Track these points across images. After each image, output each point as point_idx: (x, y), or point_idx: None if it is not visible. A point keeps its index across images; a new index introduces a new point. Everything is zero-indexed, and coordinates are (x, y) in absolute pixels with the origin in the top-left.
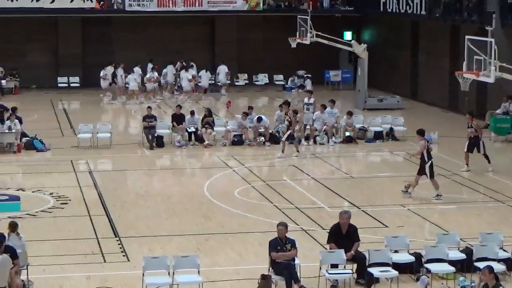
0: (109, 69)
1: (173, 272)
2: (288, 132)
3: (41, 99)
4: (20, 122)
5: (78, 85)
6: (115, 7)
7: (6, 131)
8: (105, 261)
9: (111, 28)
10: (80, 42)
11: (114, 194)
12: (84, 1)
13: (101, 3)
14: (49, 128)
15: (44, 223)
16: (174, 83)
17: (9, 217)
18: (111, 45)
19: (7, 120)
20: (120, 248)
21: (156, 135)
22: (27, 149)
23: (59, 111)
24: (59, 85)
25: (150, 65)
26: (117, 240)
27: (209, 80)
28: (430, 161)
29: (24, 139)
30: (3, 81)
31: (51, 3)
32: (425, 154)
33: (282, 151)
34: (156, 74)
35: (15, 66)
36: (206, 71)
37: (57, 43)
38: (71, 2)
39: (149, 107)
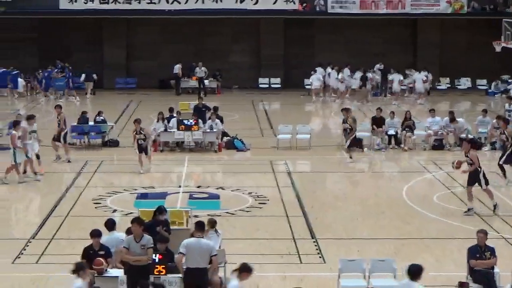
0: (321, 71)
1: (369, 276)
2: (351, 139)
3: (242, 100)
4: (222, 121)
5: (279, 86)
6: (317, 9)
7: (208, 130)
8: (301, 262)
9: (313, 30)
10: (282, 44)
11: (312, 196)
12: (286, 3)
13: (304, 5)
14: (249, 128)
15: (242, 222)
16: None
17: (208, 215)
18: (312, 47)
19: (208, 119)
20: (317, 249)
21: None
22: (228, 149)
23: (259, 112)
24: (260, 85)
25: (346, 69)
26: (314, 242)
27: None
28: None
29: (225, 139)
30: (206, 81)
31: (254, 4)
32: None
33: (350, 157)
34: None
35: (219, 67)
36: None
37: (259, 44)
38: (274, 3)
39: (346, 109)
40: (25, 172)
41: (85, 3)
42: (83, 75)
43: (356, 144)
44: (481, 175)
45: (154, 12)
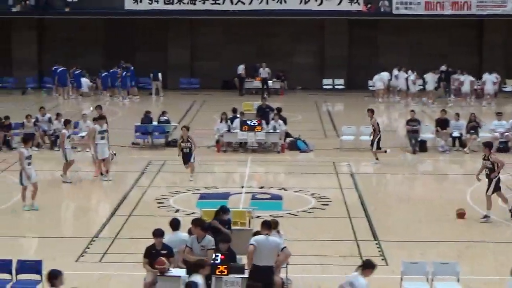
0: (385, 74)
1: (432, 279)
2: (376, 140)
3: (306, 100)
4: (285, 122)
5: (342, 87)
6: (382, 10)
7: (271, 131)
8: None
9: (377, 31)
10: (346, 45)
11: (375, 197)
12: (351, 4)
13: (368, 6)
14: (312, 129)
15: (305, 223)
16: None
17: (270, 215)
18: (376, 48)
19: (272, 120)
20: (379, 251)
21: (419, 139)
22: (291, 149)
23: (323, 113)
24: (324, 87)
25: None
26: (376, 244)
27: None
28: None
29: (288, 139)
30: (270, 82)
31: (319, 5)
32: None
33: (376, 158)
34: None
35: (282, 68)
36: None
37: (323, 45)
38: (338, 4)
39: (412, 110)
40: (106, 172)
41: (150, 4)
42: (151, 75)
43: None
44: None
45: (218, 13)
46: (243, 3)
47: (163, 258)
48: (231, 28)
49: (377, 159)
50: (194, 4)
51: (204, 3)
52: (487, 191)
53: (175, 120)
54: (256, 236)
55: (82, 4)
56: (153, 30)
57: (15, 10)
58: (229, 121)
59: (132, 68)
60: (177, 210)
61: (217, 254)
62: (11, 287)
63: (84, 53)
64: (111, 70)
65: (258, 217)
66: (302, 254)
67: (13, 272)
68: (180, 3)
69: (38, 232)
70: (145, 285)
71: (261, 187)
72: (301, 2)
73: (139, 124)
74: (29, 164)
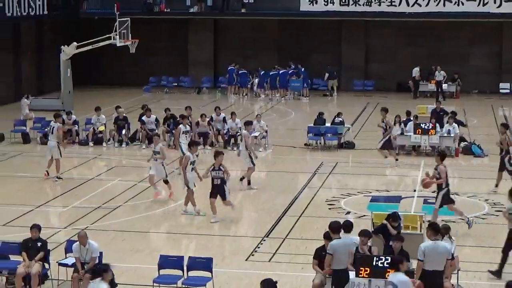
0: None
1: None
2: (384, 140)
3: (482, 104)
4: (461, 125)
5: None
6: None
7: (445, 134)
8: None
9: None
10: None
11: None
12: None
13: None
14: (488, 134)
15: (478, 229)
16: None
17: (442, 220)
18: None
19: (446, 123)
20: None
21: None
22: (465, 154)
23: (499, 117)
24: (501, 91)
25: None
26: None
27: None
28: None
29: (462, 144)
30: (444, 85)
31: (497, 7)
32: None
33: (386, 157)
34: None
35: (458, 70)
36: None
37: (501, 48)
38: None
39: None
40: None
41: (325, 5)
42: (326, 74)
43: (389, 146)
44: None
45: (393, 15)
46: (419, 5)
47: None
48: (404, 30)
49: (385, 157)
50: (370, 5)
51: (380, 4)
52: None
53: (348, 122)
54: (424, 244)
55: (257, 5)
56: (328, 31)
57: (192, 11)
58: (402, 124)
59: (303, 69)
60: (348, 212)
61: (386, 257)
62: (182, 283)
63: (258, 53)
64: (281, 71)
65: (428, 221)
66: (474, 261)
67: (184, 268)
68: (355, 5)
69: (208, 230)
70: (314, 286)
71: (434, 191)
72: (479, 4)
73: (312, 125)
74: (192, 169)
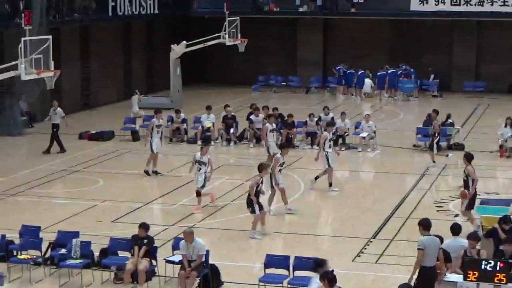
0: None
1: None
2: (435, 141)
3: None
4: None
5: None
6: None
7: None
8: None
9: None
10: None
11: None
12: None
13: None
14: None
15: None
16: None
17: None
18: None
19: None
20: None
21: None
22: None
23: None
24: None
25: None
26: None
27: None
28: None
29: None
30: None
31: None
32: None
33: (433, 161)
34: None
35: None
36: None
37: None
38: None
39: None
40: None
41: (436, 5)
42: (432, 76)
43: (439, 148)
44: None
45: (506, 15)
46: None
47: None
48: None
49: (433, 161)
50: (482, 5)
51: (492, 4)
52: None
53: (457, 124)
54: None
55: (367, 4)
56: (439, 32)
57: (301, 10)
58: None
59: (412, 70)
60: (456, 215)
61: (496, 261)
62: (288, 282)
63: (368, 53)
64: (390, 71)
65: None
66: None
67: (290, 268)
68: (467, 5)
69: (315, 230)
70: None
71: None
72: None
73: (421, 126)
74: (280, 170)
